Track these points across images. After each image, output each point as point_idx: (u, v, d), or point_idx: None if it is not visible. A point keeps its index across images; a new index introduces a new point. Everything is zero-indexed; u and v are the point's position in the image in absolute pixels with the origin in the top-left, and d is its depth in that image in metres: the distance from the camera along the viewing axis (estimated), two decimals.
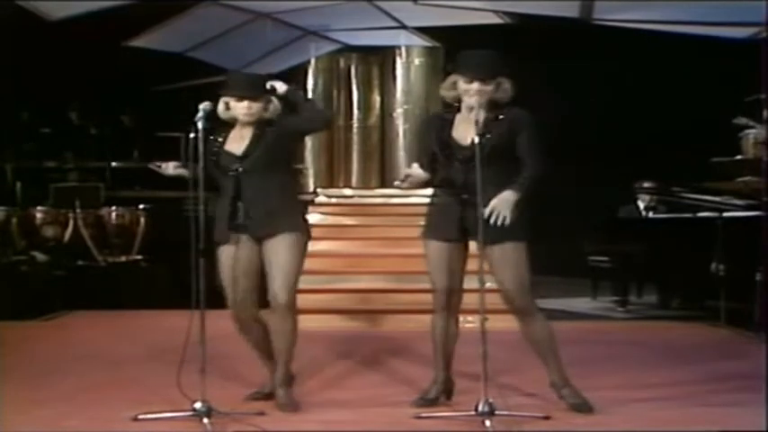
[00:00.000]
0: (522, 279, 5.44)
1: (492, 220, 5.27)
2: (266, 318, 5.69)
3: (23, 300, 9.88)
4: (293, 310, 5.65)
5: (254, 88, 5.70)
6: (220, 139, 5.70)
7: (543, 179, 5.45)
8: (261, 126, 5.69)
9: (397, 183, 5.95)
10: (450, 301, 5.60)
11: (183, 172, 5.79)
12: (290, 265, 5.59)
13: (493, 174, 5.31)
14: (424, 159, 5.66)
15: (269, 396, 5.76)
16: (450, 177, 5.52)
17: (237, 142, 5.69)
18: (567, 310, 10.50)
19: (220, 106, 5.72)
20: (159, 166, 5.87)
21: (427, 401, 5.65)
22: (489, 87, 5.45)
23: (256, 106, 5.66)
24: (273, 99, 5.77)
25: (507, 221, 5.30)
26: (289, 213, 5.66)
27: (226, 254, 5.67)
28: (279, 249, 5.58)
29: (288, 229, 5.60)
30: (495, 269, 5.39)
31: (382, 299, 9.69)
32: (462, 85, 5.47)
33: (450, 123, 5.55)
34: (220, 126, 5.76)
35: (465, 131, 5.47)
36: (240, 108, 5.66)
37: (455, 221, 5.49)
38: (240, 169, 5.61)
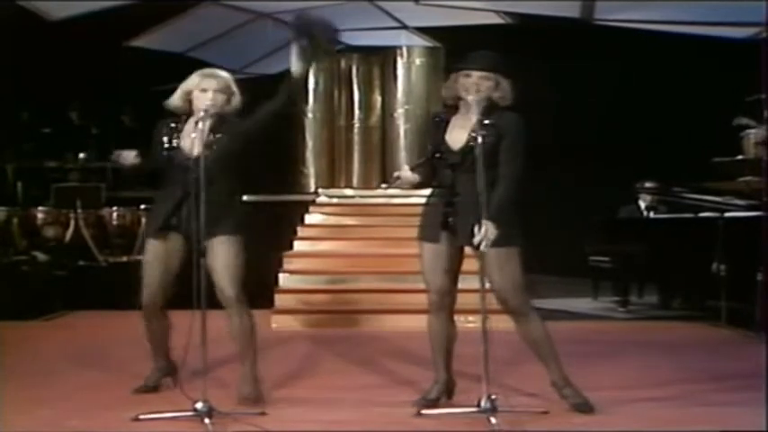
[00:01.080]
0: (514, 279, 5.43)
1: (483, 248, 5.27)
2: (227, 321, 5.69)
3: (24, 300, 9.88)
4: (245, 305, 5.68)
5: (219, 79, 5.68)
6: (174, 130, 5.64)
7: (515, 198, 5.43)
8: (218, 123, 5.65)
9: (384, 185, 5.95)
10: (444, 301, 5.61)
11: (139, 162, 5.78)
12: (235, 261, 5.62)
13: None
14: (421, 160, 5.70)
15: (156, 389, 5.99)
16: (441, 180, 5.54)
17: (192, 138, 5.59)
18: (568, 311, 10.51)
19: (177, 97, 5.69)
20: (119, 155, 5.81)
21: (428, 402, 5.65)
22: (489, 83, 5.46)
23: (221, 98, 5.64)
24: (236, 92, 5.74)
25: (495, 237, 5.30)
26: (230, 216, 5.64)
27: (153, 246, 5.78)
28: (220, 251, 5.59)
29: (227, 232, 5.61)
30: (488, 271, 5.38)
31: (383, 299, 9.70)
32: (462, 80, 5.49)
33: (446, 126, 5.56)
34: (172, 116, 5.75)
35: (457, 135, 5.49)
36: (203, 99, 5.61)
37: (444, 224, 5.50)
38: (191, 168, 5.52)
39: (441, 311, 5.62)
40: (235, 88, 5.77)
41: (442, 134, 5.54)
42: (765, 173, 9.16)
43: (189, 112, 5.70)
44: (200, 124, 5.54)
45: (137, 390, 5.98)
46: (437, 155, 5.52)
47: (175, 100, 5.71)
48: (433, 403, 5.63)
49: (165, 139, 5.70)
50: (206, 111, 5.56)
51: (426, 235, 5.59)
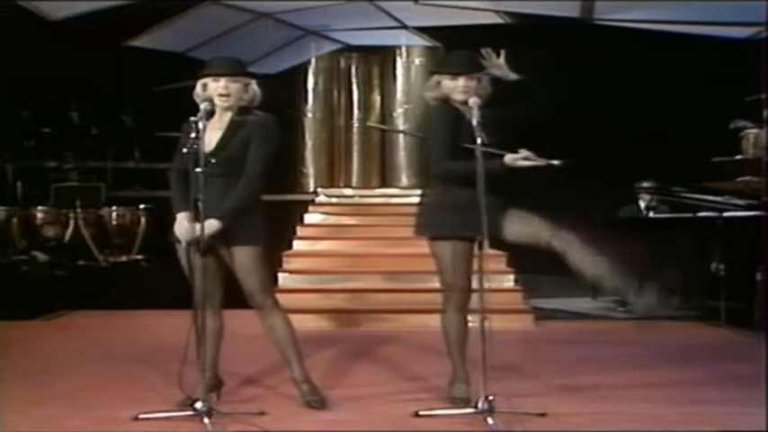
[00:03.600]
0: None
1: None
2: (262, 325, 5.65)
3: (24, 299, 9.88)
4: (278, 307, 5.64)
5: (232, 67, 5.55)
6: (201, 126, 5.33)
7: None
8: (238, 119, 5.52)
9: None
10: (466, 299, 5.58)
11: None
12: (257, 265, 5.51)
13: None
14: (445, 150, 5.48)
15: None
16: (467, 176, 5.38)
17: (212, 133, 5.46)
18: (568, 310, 10.51)
19: (198, 88, 5.55)
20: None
21: (459, 400, 5.58)
22: (473, 83, 5.52)
23: (234, 87, 5.50)
24: (253, 83, 5.60)
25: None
26: (246, 224, 5.47)
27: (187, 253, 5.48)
28: (241, 258, 5.47)
29: (243, 242, 5.47)
30: None
31: (382, 298, 9.69)
32: (448, 82, 5.53)
33: (460, 119, 5.49)
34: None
35: (477, 132, 5.47)
36: (217, 89, 5.49)
37: (478, 220, 5.36)
38: (207, 165, 5.34)
39: (462, 311, 5.59)
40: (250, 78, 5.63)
41: (468, 128, 5.38)
42: (765, 173, 9.17)
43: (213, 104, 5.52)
44: (216, 115, 5.48)
45: (180, 403, 5.51)
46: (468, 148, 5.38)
47: (197, 91, 5.56)
48: (466, 403, 5.51)
49: (187, 135, 5.42)
50: (226, 97, 5.48)
51: (453, 232, 5.50)
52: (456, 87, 5.52)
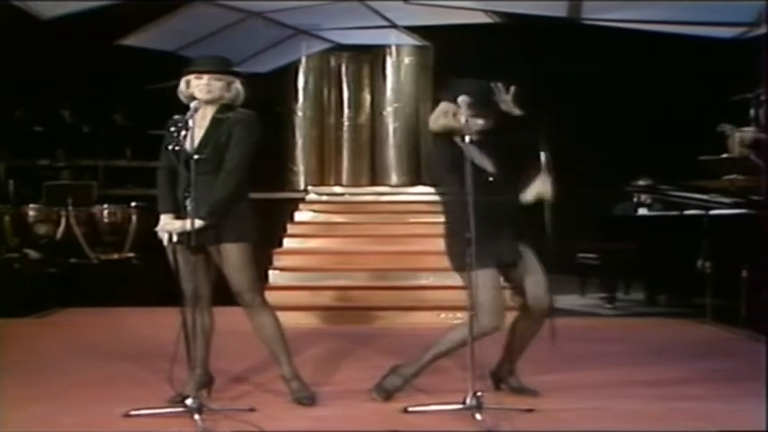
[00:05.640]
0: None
1: None
2: (250, 323, 5.69)
3: (16, 297, 9.90)
4: (265, 304, 5.67)
5: (215, 65, 5.56)
6: (190, 124, 5.36)
7: None
8: (220, 116, 5.52)
9: None
10: None
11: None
12: (244, 264, 5.52)
13: None
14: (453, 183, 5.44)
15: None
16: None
17: (195, 131, 5.43)
18: (556, 307, 10.53)
19: (181, 85, 5.57)
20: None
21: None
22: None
23: (217, 85, 5.51)
24: (236, 82, 5.61)
25: None
26: (233, 222, 5.48)
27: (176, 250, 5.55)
28: (228, 257, 5.49)
29: (230, 240, 5.48)
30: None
31: (372, 296, 9.74)
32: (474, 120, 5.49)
33: (461, 152, 5.40)
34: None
35: (482, 160, 5.55)
36: (200, 86, 5.50)
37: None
38: (190, 163, 5.34)
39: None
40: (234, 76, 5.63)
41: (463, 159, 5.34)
42: (765, 173, 9.24)
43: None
44: (199, 113, 5.46)
45: (170, 400, 5.57)
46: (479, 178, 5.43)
47: (180, 89, 5.59)
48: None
49: (172, 134, 5.54)
50: (209, 94, 5.49)
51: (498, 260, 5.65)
52: (476, 123, 5.46)
